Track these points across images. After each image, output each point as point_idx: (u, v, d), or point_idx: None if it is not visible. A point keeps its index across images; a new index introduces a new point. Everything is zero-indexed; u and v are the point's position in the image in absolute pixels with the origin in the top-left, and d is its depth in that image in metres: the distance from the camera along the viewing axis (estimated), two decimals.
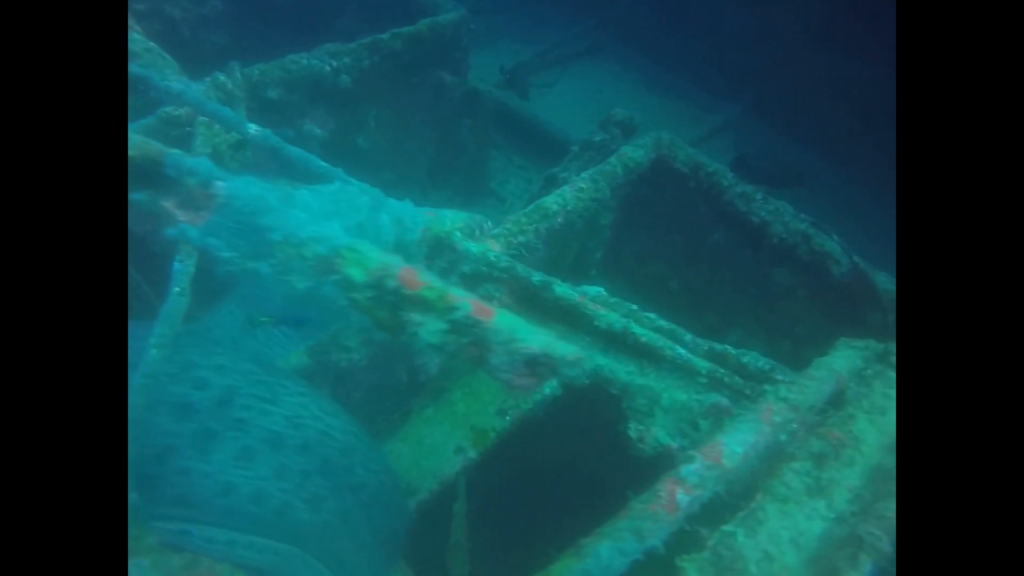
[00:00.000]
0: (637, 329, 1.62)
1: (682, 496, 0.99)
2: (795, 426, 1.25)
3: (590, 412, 1.86)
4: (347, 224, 1.14)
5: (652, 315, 1.78)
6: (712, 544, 1.17)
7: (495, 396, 2.48)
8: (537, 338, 1.23)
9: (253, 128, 1.57)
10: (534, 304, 1.78)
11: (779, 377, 1.57)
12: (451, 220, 1.72)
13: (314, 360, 1.77)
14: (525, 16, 6.43)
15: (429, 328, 1.08)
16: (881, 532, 1.15)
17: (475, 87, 3.82)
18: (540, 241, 2.29)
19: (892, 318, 2.41)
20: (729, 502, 1.10)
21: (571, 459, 2.37)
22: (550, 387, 2.26)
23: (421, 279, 1.10)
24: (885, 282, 2.43)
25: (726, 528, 1.21)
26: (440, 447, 2.36)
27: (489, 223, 2.27)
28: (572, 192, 2.38)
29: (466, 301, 1.15)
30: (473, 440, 2.36)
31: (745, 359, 1.68)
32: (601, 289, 1.98)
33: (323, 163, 1.62)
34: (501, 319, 1.20)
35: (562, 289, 1.70)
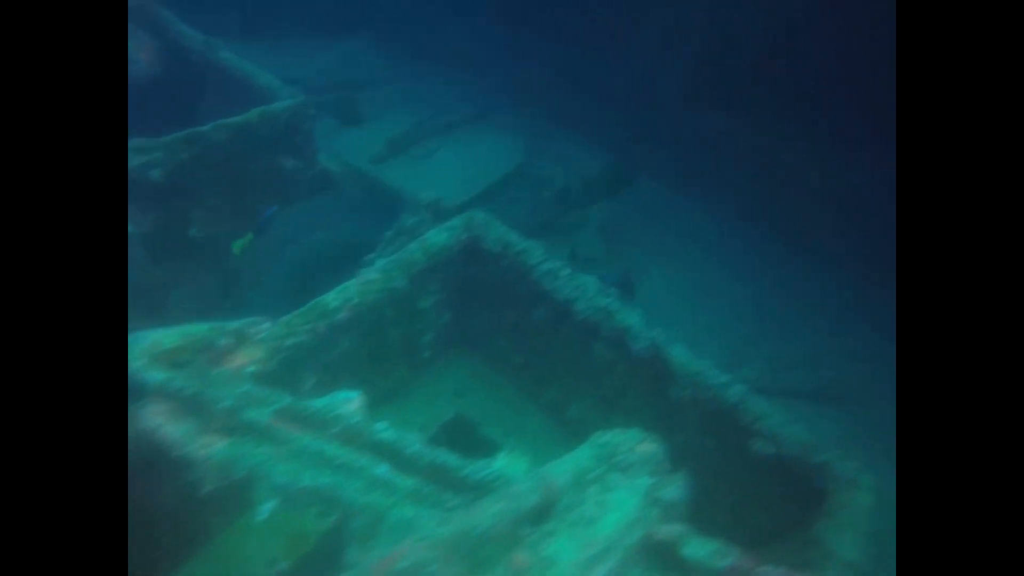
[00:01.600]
0: (328, 448, 1.54)
1: None
2: (434, 568, 1.17)
3: None
4: None
5: (382, 424, 1.71)
6: None
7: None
8: None
9: None
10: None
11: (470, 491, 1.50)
12: (168, 338, 1.63)
13: None
14: (426, 83, 6.61)
15: None
16: None
17: (326, 168, 3.82)
18: (321, 340, 2.22)
19: (689, 392, 2.39)
20: None
21: None
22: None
23: None
24: (681, 355, 2.43)
25: None
26: None
27: (266, 325, 2.19)
28: (358, 286, 2.33)
29: None
30: None
31: (466, 471, 1.61)
32: (354, 395, 1.90)
33: None
34: None
35: (253, 413, 1.61)
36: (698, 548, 1.53)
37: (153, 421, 1.66)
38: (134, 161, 2.86)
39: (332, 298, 2.25)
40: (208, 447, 1.66)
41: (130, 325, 1.58)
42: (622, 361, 2.66)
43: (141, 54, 3.72)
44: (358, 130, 5.41)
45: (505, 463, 1.87)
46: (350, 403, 1.82)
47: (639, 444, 1.71)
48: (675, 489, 1.53)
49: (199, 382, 1.61)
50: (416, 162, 5.07)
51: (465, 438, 3.15)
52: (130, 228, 2.97)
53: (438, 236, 2.62)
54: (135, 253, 3.14)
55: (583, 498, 1.51)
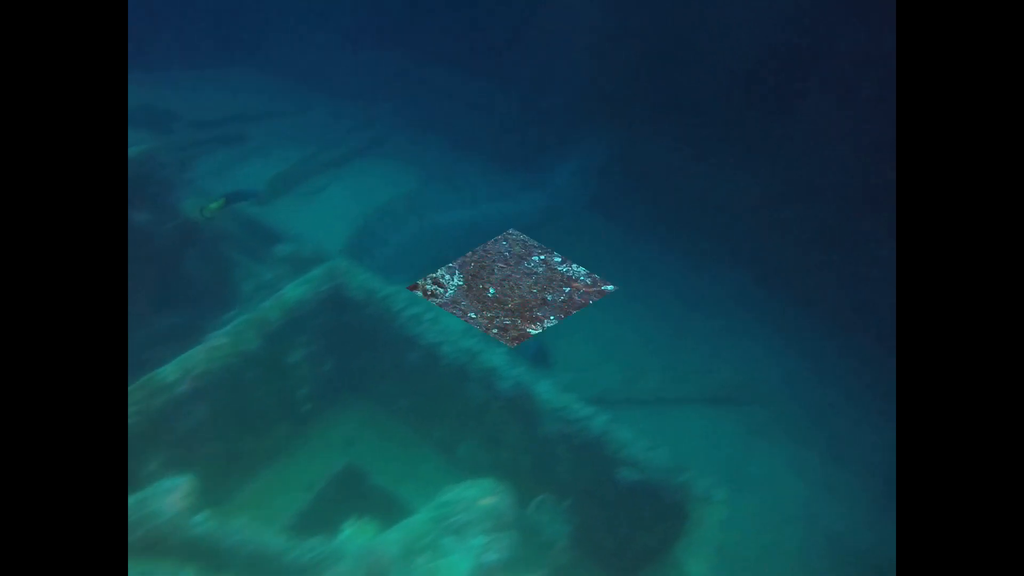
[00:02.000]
0: (131, 554, 1.43)
1: None
2: None
3: None
4: None
5: (201, 516, 1.60)
6: None
7: None
8: None
9: None
10: None
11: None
12: None
13: None
14: (315, 114, 6.43)
15: None
16: None
17: (188, 217, 3.62)
18: (158, 418, 2.08)
19: (557, 427, 2.42)
20: None
21: None
22: None
23: None
24: (546, 392, 2.45)
25: None
26: None
27: None
28: (204, 353, 2.20)
29: None
30: None
31: (295, 553, 1.53)
32: (180, 481, 1.78)
33: None
34: None
35: None
36: None
37: None
38: None
39: (169, 371, 2.11)
40: None
41: None
42: (496, 399, 2.66)
43: None
44: (245, 167, 5.18)
45: (350, 533, 1.81)
46: (172, 493, 1.70)
47: (481, 499, 1.70)
48: (507, 545, 1.52)
49: None
50: (303, 201, 4.89)
51: (356, 490, 3.05)
52: None
53: (295, 290, 2.53)
54: None
55: (412, 568, 1.47)
